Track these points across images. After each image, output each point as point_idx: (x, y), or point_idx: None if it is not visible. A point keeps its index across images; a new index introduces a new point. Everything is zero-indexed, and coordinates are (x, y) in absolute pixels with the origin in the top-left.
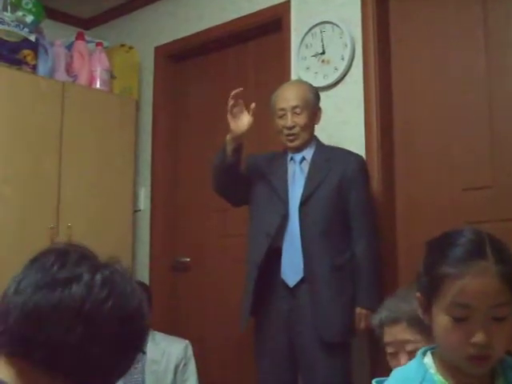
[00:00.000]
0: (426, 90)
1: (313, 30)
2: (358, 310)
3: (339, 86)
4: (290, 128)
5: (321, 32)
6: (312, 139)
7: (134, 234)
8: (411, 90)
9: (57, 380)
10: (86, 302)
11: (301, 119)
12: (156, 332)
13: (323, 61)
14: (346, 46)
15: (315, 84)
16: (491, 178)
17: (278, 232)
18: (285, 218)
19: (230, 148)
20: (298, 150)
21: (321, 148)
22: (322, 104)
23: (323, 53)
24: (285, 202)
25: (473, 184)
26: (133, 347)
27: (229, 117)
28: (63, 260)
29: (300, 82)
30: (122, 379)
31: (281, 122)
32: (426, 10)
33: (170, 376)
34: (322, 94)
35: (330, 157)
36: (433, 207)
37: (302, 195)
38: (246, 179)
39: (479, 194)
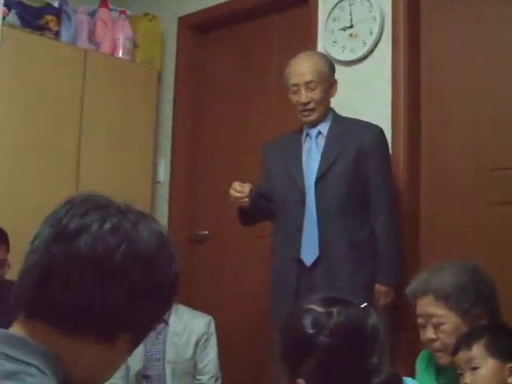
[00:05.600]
0: (456, 67)
1: (341, 3)
2: (377, 286)
3: (367, 60)
4: (305, 104)
5: (349, 5)
6: (328, 112)
7: (153, 205)
8: (440, 65)
9: (87, 340)
10: (95, 252)
11: (315, 94)
12: (180, 305)
13: (351, 35)
14: (374, 19)
15: (342, 58)
16: None
17: (302, 216)
18: (303, 203)
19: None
20: (315, 124)
21: (337, 121)
22: (349, 79)
23: (351, 26)
24: (301, 188)
25: (500, 164)
26: (158, 294)
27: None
28: (72, 212)
29: (313, 53)
30: (144, 347)
31: (295, 98)
32: None
33: (191, 350)
34: (349, 69)
35: (346, 130)
36: (458, 186)
37: (318, 172)
38: (267, 202)
39: (507, 175)
